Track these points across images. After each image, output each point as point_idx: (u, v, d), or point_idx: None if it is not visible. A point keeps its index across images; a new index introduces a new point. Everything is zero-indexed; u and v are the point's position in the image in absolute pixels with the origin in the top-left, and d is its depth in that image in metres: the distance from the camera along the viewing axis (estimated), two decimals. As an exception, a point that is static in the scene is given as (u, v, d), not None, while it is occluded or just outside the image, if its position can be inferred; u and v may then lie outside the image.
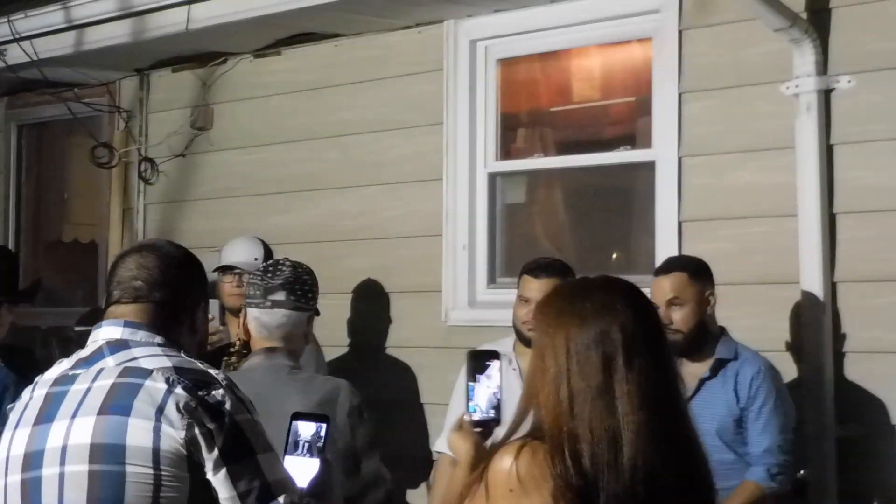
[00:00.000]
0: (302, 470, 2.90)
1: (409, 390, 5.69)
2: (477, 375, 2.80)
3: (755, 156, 4.91)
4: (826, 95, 4.68)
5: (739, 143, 4.96)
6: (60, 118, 7.49)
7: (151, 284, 2.90)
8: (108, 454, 2.65)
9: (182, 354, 2.81)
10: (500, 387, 2.80)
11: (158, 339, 2.84)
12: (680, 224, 5.05)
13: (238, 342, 5.19)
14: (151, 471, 2.63)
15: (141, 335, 2.84)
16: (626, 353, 2.40)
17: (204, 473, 2.66)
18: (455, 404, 5.01)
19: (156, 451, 2.63)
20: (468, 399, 2.79)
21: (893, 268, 4.51)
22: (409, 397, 5.64)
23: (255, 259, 5.45)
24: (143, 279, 2.90)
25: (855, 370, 4.56)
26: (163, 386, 2.67)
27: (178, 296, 2.93)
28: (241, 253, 5.55)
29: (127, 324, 2.86)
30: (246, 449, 2.69)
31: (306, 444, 2.96)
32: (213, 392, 2.68)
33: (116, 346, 2.82)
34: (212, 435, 2.64)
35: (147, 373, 2.70)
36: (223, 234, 6.32)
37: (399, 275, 5.87)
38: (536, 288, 4.74)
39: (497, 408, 2.78)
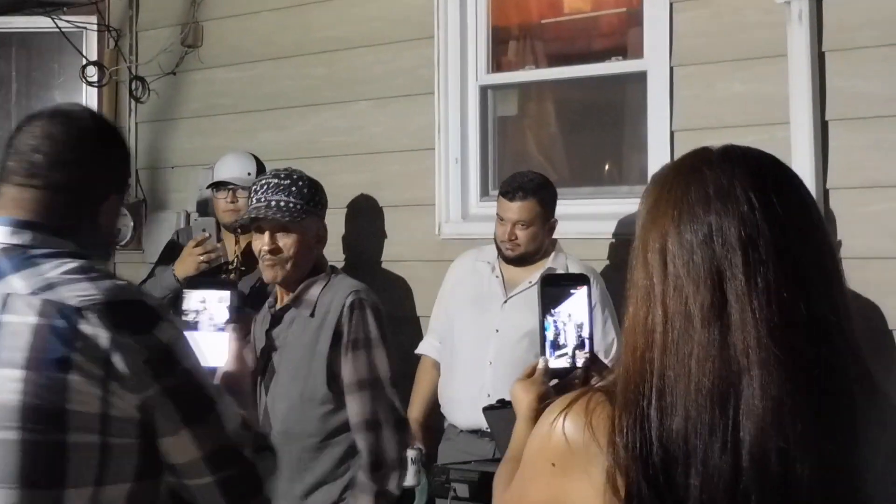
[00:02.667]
0: (213, 347, 2.56)
1: (404, 304, 5.70)
2: (554, 307, 2.17)
3: (747, 65, 4.88)
4: (818, 3, 4.65)
5: (731, 52, 4.93)
6: (49, 35, 7.41)
7: (53, 162, 2.34)
8: (44, 419, 2.15)
9: (100, 273, 2.28)
10: (589, 323, 2.18)
11: (68, 245, 2.30)
12: (672, 134, 5.04)
13: (236, 259, 5.21)
14: (98, 440, 2.16)
15: (45, 242, 2.29)
16: (748, 258, 1.63)
17: (156, 438, 2.22)
18: (437, 308, 5.07)
19: (104, 417, 2.16)
20: (542, 339, 2.17)
21: (885, 175, 4.51)
22: (404, 311, 5.65)
23: (248, 174, 5.43)
24: (45, 152, 2.34)
25: (848, 277, 4.57)
26: (104, 333, 2.16)
27: (86, 181, 2.37)
28: (234, 168, 5.52)
29: (21, 224, 2.31)
30: (206, 402, 2.29)
31: (210, 317, 2.62)
32: (159, 332, 2.21)
33: (16, 256, 2.27)
34: (170, 392, 2.20)
35: (76, 313, 2.18)
36: (214, 151, 6.31)
37: (391, 189, 5.87)
38: (512, 209, 4.78)
39: (583, 351, 2.16)
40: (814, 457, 1.57)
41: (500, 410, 3.95)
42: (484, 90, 5.80)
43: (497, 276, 4.87)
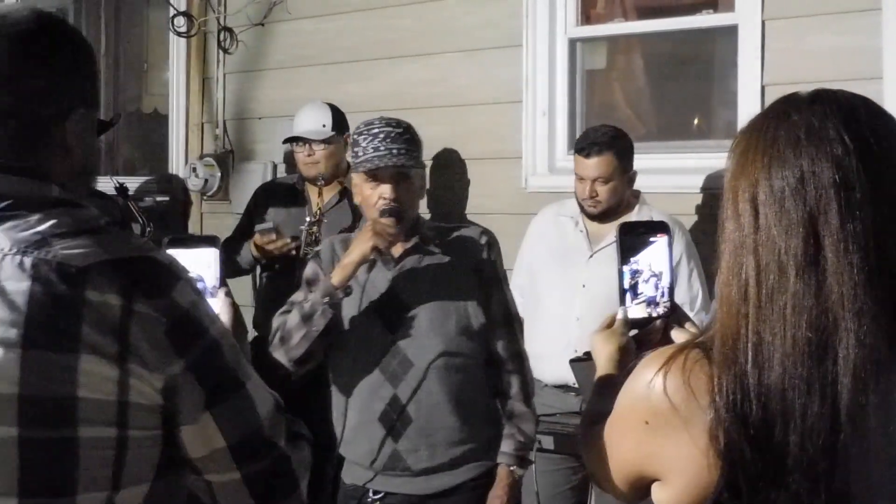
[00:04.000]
0: None
1: (490, 257, 5.70)
2: (633, 256, 2.11)
3: (840, 18, 4.81)
4: (914, -46, 4.58)
5: (823, 5, 4.85)
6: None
7: None
8: (49, 411, 1.73)
9: (98, 224, 1.86)
10: (669, 272, 2.11)
11: (55, 190, 1.87)
12: (763, 88, 4.98)
13: (318, 212, 5.23)
14: (115, 433, 1.76)
15: (26, 187, 1.85)
16: (843, 201, 1.56)
17: (177, 426, 1.83)
18: (519, 263, 5.05)
19: (122, 405, 1.76)
20: (621, 288, 2.10)
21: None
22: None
23: (324, 126, 5.44)
24: None
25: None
26: (116, 300, 1.75)
27: (36, 98, 1.88)
28: (309, 122, 5.51)
29: None
30: (234, 380, 1.87)
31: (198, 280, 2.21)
32: (178, 295, 1.81)
33: None
34: (194, 368, 1.81)
35: (81, 275, 1.75)
36: (300, 102, 6.29)
37: (477, 142, 5.86)
38: (589, 166, 4.74)
39: (663, 301, 2.09)
40: None
41: (587, 362, 3.95)
42: (572, 43, 5.76)
43: (581, 231, 4.84)
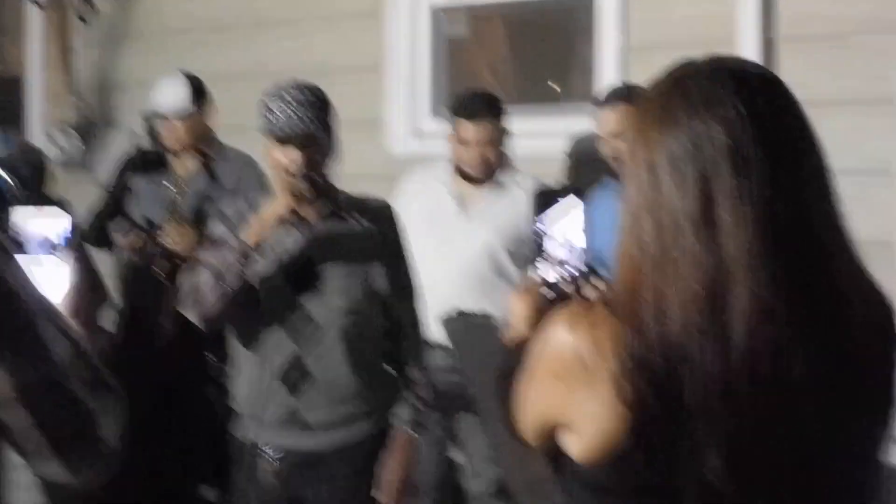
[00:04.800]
0: (45, 271, 2.19)
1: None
2: (546, 220, 2.16)
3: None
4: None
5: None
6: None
7: None
8: None
9: None
10: (583, 237, 2.14)
11: None
12: (621, 53, 5.13)
13: (180, 180, 5.26)
14: None
15: None
16: (735, 162, 1.64)
17: None
18: None
19: None
20: (537, 251, 2.16)
21: (830, 92, 4.62)
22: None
23: (182, 100, 5.43)
24: None
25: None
26: None
27: None
28: (168, 97, 5.47)
29: None
30: (23, 323, 1.86)
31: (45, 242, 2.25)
32: None
33: None
34: None
35: None
36: (163, 71, 6.30)
37: (341, 109, 5.87)
38: (478, 130, 4.79)
39: (575, 263, 2.13)
40: (804, 358, 1.63)
41: (458, 321, 4.04)
42: (435, 11, 5.87)
43: (451, 194, 4.92)
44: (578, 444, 1.74)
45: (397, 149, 5.81)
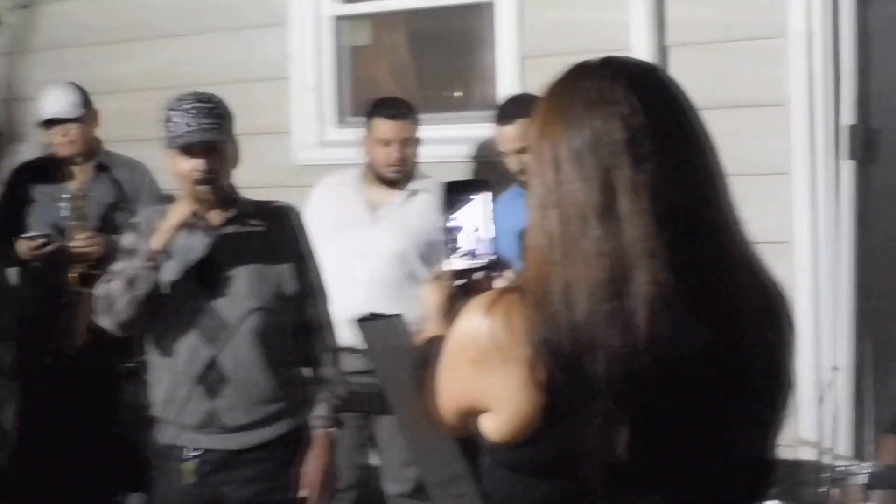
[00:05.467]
0: None
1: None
2: (455, 212, 2.22)
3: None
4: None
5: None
6: None
7: None
8: None
9: None
10: (492, 227, 2.20)
11: None
12: (521, 60, 5.25)
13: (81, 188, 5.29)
14: None
15: None
16: (632, 155, 1.75)
17: None
18: None
19: None
20: (447, 242, 2.22)
21: (722, 97, 4.79)
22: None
23: (74, 105, 5.49)
24: None
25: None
26: None
27: None
28: (59, 102, 5.53)
29: None
30: None
31: None
32: None
33: None
34: None
35: None
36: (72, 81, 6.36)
37: (245, 118, 5.88)
38: (398, 129, 4.94)
39: (484, 252, 2.19)
40: (703, 337, 1.74)
41: (370, 322, 4.13)
42: (337, 20, 5.97)
43: (361, 199, 5.02)
44: (495, 426, 1.85)
45: (303, 157, 5.88)
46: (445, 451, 2.12)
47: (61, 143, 5.48)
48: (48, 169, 5.58)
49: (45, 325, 5.32)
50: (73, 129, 5.45)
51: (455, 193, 2.23)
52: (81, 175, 5.48)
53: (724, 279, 1.79)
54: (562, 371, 1.72)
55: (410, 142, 4.98)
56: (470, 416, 1.92)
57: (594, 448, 1.74)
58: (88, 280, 5.03)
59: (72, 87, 5.63)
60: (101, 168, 5.51)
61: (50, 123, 5.50)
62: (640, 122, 1.77)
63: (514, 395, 1.78)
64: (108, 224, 5.38)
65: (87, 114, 5.53)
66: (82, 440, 5.28)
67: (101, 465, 5.37)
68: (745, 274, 1.83)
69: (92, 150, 5.54)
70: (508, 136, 4.66)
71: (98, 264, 5.05)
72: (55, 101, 5.52)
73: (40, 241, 5.28)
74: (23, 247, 5.31)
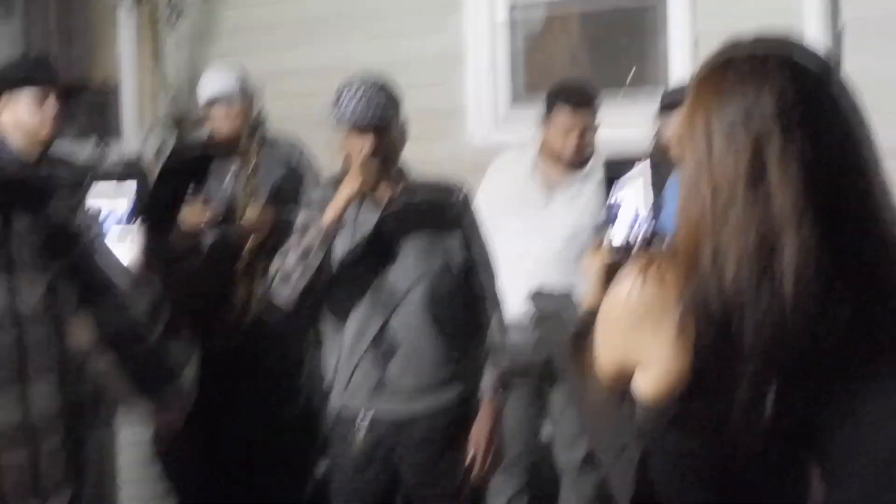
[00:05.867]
0: (119, 240, 2.43)
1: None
2: (616, 187, 2.36)
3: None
4: None
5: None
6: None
7: None
8: None
9: None
10: (650, 202, 2.32)
11: None
12: (693, 41, 5.29)
13: (250, 169, 5.47)
14: (11, 336, 2.08)
15: None
16: (784, 128, 1.82)
17: (63, 323, 2.14)
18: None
19: (14, 311, 2.07)
20: (608, 218, 2.36)
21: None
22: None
23: (233, 84, 5.59)
24: None
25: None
26: None
27: None
28: (221, 82, 5.65)
29: None
30: (105, 282, 2.16)
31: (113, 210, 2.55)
32: (53, 210, 2.12)
33: None
34: (69, 272, 2.11)
35: None
36: (253, 68, 6.55)
37: (421, 100, 6.03)
38: (579, 117, 4.95)
39: (643, 225, 2.31)
40: (848, 303, 1.80)
41: (542, 297, 4.24)
42: (513, 3, 6.08)
43: (538, 179, 5.08)
44: (646, 384, 1.95)
45: (478, 138, 6.01)
46: (617, 421, 2.18)
47: (223, 121, 5.59)
48: (211, 149, 5.65)
49: (220, 298, 5.39)
50: (235, 108, 5.55)
51: (617, 170, 2.36)
52: (245, 153, 5.56)
53: (871, 247, 1.84)
54: (710, 333, 1.81)
55: (590, 130, 4.99)
56: (625, 375, 2.01)
57: (741, 408, 1.82)
58: (261, 254, 5.23)
59: (232, 67, 5.77)
60: (264, 145, 5.61)
61: (212, 103, 5.62)
62: (791, 95, 1.84)
63: (666, 356, 1.88)
64: (276, 200, 5.48)
65: (247, 93, 5.65)
66: (265, 410, 5.47)
67: (286, 435, 5.55)
68: (892, 244, 1.86)
69: (253, 129, 5.71)
70: (672, 125, 4.70)
71: (269, 239, 5.21)
72: (216, 81, 5.65)
73: (208, 211, 5.39)
74: (188, 216, 5.41)
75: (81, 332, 2.09)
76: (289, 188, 5.55)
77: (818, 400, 1.85)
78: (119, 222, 2.58)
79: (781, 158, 1.82)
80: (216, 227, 5.41)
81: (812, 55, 1.94)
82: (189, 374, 2.26)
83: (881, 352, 1.86)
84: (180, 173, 5.59)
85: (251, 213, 5.36)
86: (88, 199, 2.55)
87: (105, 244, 2.20)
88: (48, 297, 2.05)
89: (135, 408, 2.18)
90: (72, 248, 2.07)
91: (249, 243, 5.32)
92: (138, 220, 2.62)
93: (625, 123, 5.41)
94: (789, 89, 1.85)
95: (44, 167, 4.89)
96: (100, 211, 2.55)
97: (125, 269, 2.18)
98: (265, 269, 4.94)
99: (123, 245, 2.39)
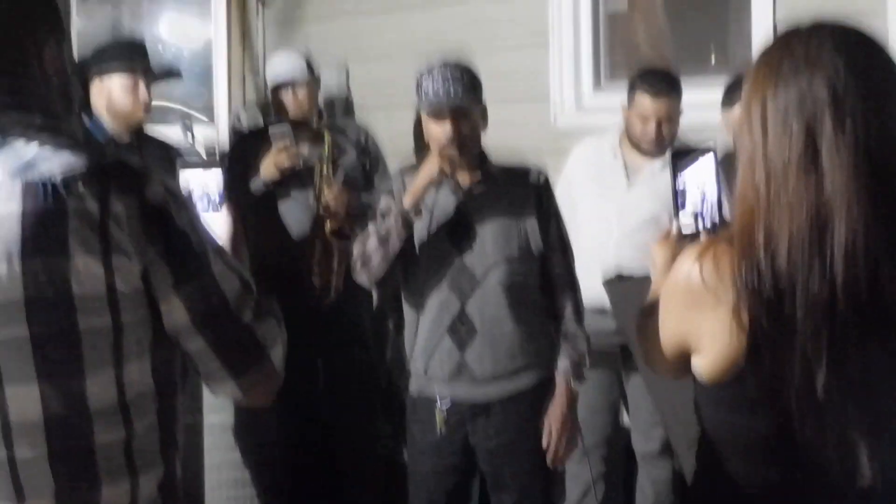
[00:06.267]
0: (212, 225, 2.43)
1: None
2: (683, 176, 2.40)
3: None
4: None
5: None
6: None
7: None
8: (52, 310, 2.04)
9: (75, 140, 2.14)
10: (716, 190, 2.35)
11: (37, 119, 2.14)
12: (775, 25, 5.28)
13: (327, 149, 5.52)
14: (109, 321, 2.07)
15: (12, 119, 2.13)
16: (835, 114, 1.90)
17: (156, 302, 2.13)
18: (559, 193, 5.33)
19: (112, 295, 2.06)
20: (675, 204, 2.42)
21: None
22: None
23: (302, 69, 5.70)
24: None
25: None
26: (94, 204, 2.03)
27: (14, 37, 2.15)
28: (289, 66, 5.72)
29: None
30: (198, 262, 2.14)
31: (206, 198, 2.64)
32: (149, 193, 2.09)
33: None
34: (163, 253, 2.09)
35: (64, 187, 2.03)
36: (337, 50, 6.70)
37: (508, 82, 6.08)
38: (657, 106, 4.97)
39: (710, 214, 2.34)
40: None
41: (618, 283, 4.27)
42: (594, -14, 6.06)
43: (620, 163, 5.12)
44: (704, 364, 2.04)
45: (562, 122, 6.03)
46: (691, 412, 2.25)
47: (291, 105, 5.67)
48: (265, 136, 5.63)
49: (300, 276, 5.44)
50: (302, 92, 5.66)
51: (683, 159, 2.41)
52: (316, 138, 5.63)
53: None
54: (764, 313, 1.90)
55: (671, 118, 4.99)
56: (685, 356, 2.10)
57: (794, 386, 1.90)
58: (341, 235, 5.32)
59: (298, 52, 5.87)
60: (334, 130, 5.69)
61: (279, 87, 5.70)
62: (844, 82, 1.91)
63: (722, 336, 1.96)
64: (352, 182, 5.58)
65: (313, 78, 5.75)
66: (346, 394, 5.57)
67: (367, 418, 5.65)
68: None
69: (320, 113, 5.80)
70: (735, 116, 4.70)
71: (347, 220, 5.32)
72: (283, 66, 5.74)
73: (289, 141, 5.44)
74: (268, 168, 5.45)
75: (175, 313, 2.12)
76: (361, 171, 5.66)
77: (869, 380, 1.92)
78: (208, 209, 2.63)
79: (833, 143, 1.89)
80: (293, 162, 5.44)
81: (867, 42, 2.00)
82: (278, 354, 2.26)
83: None
84: (246, 157, 5.63)
85: (328, 197, 5.43)
86: (181, 183, 2.64)
87: (200, 224, 2.21)
88: (144, 279, 2.08)
89: (225, 388, 2.25)
90: (168, 230, 2.09)
91: (328, 226, 5.39)
92: (226, 206, 2.66)
93: (707, 105, 5.43)
94: (841, 76, 1.91)
95: (136, 149, 5.03)
96: (192, 194, 2.63)
97: (219, 249, 2.22)
98: (342, 253, 5.06)
99: (214, 229, 2.43)
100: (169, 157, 4.96)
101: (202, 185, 2.65)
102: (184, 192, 2.45)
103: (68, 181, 2.03)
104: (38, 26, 2.18)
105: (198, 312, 2.14)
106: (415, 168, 4.13)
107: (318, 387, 5.57)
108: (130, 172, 2.09)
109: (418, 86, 4.03)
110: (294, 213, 5.54)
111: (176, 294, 2.11)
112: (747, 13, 5.47)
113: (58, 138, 2.11)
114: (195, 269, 2.13)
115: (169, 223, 2.10)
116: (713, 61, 5.99)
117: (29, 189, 2.03)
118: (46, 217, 2.02)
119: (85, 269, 2.02)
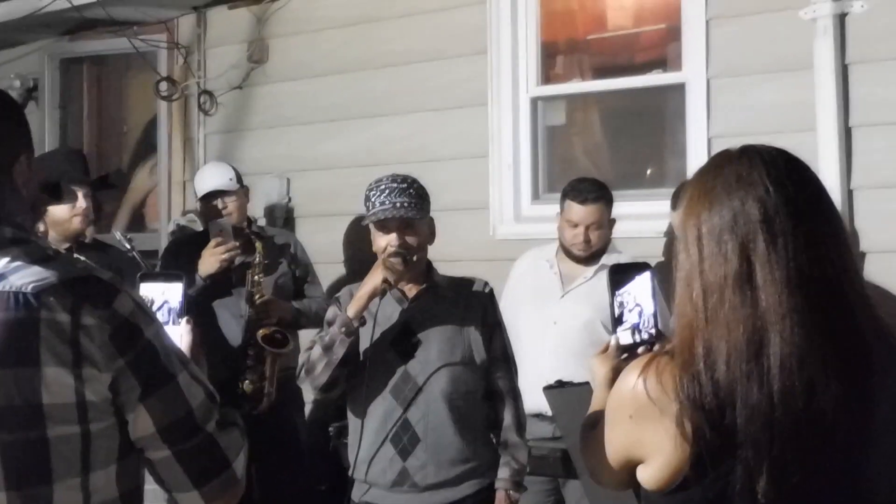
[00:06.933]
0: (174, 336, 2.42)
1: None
2: (621, 291, 2.45)
3: (777, 76, 5.28)
4: (841, 19, 5.06)
5: (763, 64, 5.33)
6: (120, 54, 7.81)
7: None
8: (22, 418, 2.05)
9: (46, 254, 2.18)
10: (653, 305, 2.44)
11: (7, 231, 2.18)
12: (709, 141, 5.42)
13: (258, 256, 5.58)
14: (79, 429, 2.09)
15: None
16: (767, 232, 1.99)
17: (124, 414, 2.15)
18: (502, 304, 5.41)
19: (81, 405, 2.08)
20: (613, 319, 2.45)
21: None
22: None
23: (230, 179, 5.79)
24: None
25: (870, 269, 4.91)
26: (65, 316, 2.06)
27: None
28: (217, 178, 5.82)
29: None
30: (165, 374, 2.18)
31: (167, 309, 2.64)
32: (118, 305, 2.12)
33: None
34: (131, 365, 2.12)
35: (35, 299, 2.06)
36: (278, 160, 6.77)
37: (448, 194, 6.10)
38: (585, 213, 5.14)
39: (647, 327, 2.42)
40: (833, 392, 1.94)
41: (558, 390, 4.33)
42: (534, 101, 6.21)
43: (555, 273, 5.25)
44: (650, 473, 2.09)
45: (500, 232, 6.12)
46: None
47: (227, 214, 5.74)
48: (202, 241, 5.69)
49: (233, 383, 5.44)
50: (231, 201, 5.75)
51: (621, 274, 2.48)
52: (248, 243, 5.66)
53: (853, 339, 2.00)
54: (706, 424, 1.96)
55: (598, 224, 5.17)
56: (630, 467, 2.15)
57: (737, 493, 1.96)
58: (272, 342, 5.36)
59: (228, 165, 5.98)
60: (262, 238, 5.72)
61: (209, 197, 5.78)
62: (775, 202, 2.01)
63: (667, 446, 2.02)
64: (282, 289, 5.67)
65: (241, 189, 5.84)
66: (279, 497, 5.54)
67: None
68: (871, 333, 2.03)
69: (249, 222, 5.86)
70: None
71: (279, 326, 5.39)
72: (213, 177, 5.84)
73: (225, 237, 5.48)
74: (206, 262, 5.47)
75: (142, 423, 2.16)
76: (291, 278, 5.76)
77: (811, 485, 1.98)
78: (168, 321, 2.63)
79: (766, 260, 1.98)
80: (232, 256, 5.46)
81: (795, 163, 2.11)
82: (241, 464, 2.30)
83: (871, 434, 2.01)
84: (182, 257, 5.65)
85: (260, 307, 5.49)
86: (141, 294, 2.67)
87: (167, 336, 2.26)
88: (112, 389, 2.11)
89: (188, 497, 2.28)
90: (137, 342, 2.13)
91: (260, 333, 5.42)
92: (187, 317, 2.67)
93: (643, 217, 5.55)
94: (772, 195, 2.02)
95: (89, 252, 5.06)
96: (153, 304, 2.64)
97: (185, 360, 2.27)
98: (274, 359, 5.13)
99: (175, 336, 2.48)
100: (108, 264, 4.98)
101: (162, 297, 2.66)
102: (149, 300, 2.52)
103: (39, 293, 2.06)
104: (9, 143, 2.24)
105: (163, 423, 2.17)
106: (361, 278, 4.18)
107: (253, 493, 5.55)
108: (101, 285, 2.13)
109: (366, 198, 4.10)
110: (226, 320, 5.58)
111: (143, 405, 2.14)
112: (682, 128, 5.61)
113: (28, 251, 2.15)
114: (162, 380, 2.17)
115: (137, 335, 2.13)
116: (648, 174, 6.10)
117: (0, 300, 2.06)
118: (17, 328, 2.05)
119: (55, 380, 2.05)
